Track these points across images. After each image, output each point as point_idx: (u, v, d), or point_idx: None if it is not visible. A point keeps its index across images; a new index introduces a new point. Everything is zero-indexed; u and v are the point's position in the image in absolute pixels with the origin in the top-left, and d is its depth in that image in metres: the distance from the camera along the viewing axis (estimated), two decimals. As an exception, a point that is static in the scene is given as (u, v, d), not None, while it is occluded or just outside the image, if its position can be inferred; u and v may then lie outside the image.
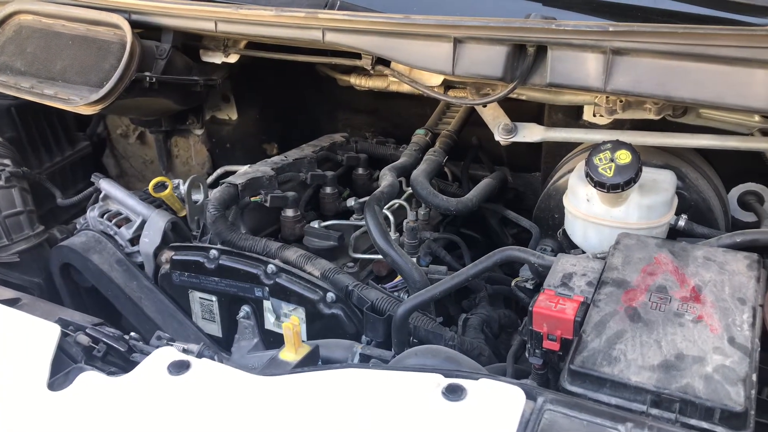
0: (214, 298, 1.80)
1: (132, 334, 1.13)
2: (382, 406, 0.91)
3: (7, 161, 2.02)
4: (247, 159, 2.15)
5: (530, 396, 0.90)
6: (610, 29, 1.24)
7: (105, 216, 1.94)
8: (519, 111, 1.74)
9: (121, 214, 1.95)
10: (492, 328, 1.63)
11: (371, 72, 1.73)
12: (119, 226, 1.92)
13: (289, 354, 1.04)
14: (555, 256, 1.38)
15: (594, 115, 1.74)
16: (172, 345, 1.10)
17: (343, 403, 0.91)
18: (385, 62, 1.62)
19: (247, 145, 2.47)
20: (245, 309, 1.76)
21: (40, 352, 1.04)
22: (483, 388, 0.91)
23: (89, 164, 2.64)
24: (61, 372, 1.05)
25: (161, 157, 2.59)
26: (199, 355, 1.04)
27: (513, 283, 1.65)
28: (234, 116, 2.40)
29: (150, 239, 1.87)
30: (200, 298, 1.82)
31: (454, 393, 0.90)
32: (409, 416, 0.89)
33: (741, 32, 1.19)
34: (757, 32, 1.18)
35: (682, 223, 1.49)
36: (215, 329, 1.84)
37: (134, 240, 1.91)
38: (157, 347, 1.08)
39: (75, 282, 1.96)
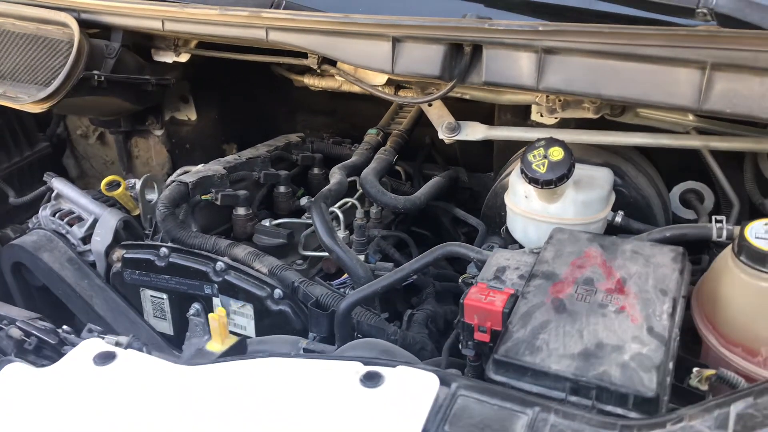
0: (165, 296, 1.80)
1: (65, 327, 1.14)
2: (301, 393, 0.92)
3: (-43, 161, 2.01)
4: (207, 159, 2.14)
5: (444, 382, 0.93)
6: (540, 29, 1.27)
7: (57, 215, 1.94)
8: (472, 111, 1.77)
9: (73, 212, 1.95)
10: (437, 324, 1.65)
11: (317, 71, 1.75)
12: (71, 225, 1.92)
13: (216, 344, 1.05)
14: (499, 252, 1.41)
15: (541, 116, 1.77)
16: (103, 337, 1.11)
17: (262, 391, 0.93)
18: (332, 62, 1.65)
19: (207, 146, 2.48)
20: (195, 306, 1.76)
21: (-32, 346, 1.05)
22: (399, 374, 0.94)
23: (49, 165, 2.62)
24: (-10, 365, 1.05)
25: (121, 158, 2.59)
26: (128, 347, 1.05)
27: (460, 280, 1.69)
28: (193, 117, 2.41)
29: (102, 238, 1.87)
30: (151, 296, 1.82)
31: (371, 380, 0.93)
32: (327, 403, 0.91)
33: (664, 32, 1.23)
34: (678, 32, 1.22)
35: (619, 219, 1.53)
36: (167, 327, 1.84)
37: (86, 239, 1.91)
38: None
39: (26, 281, 1.95)
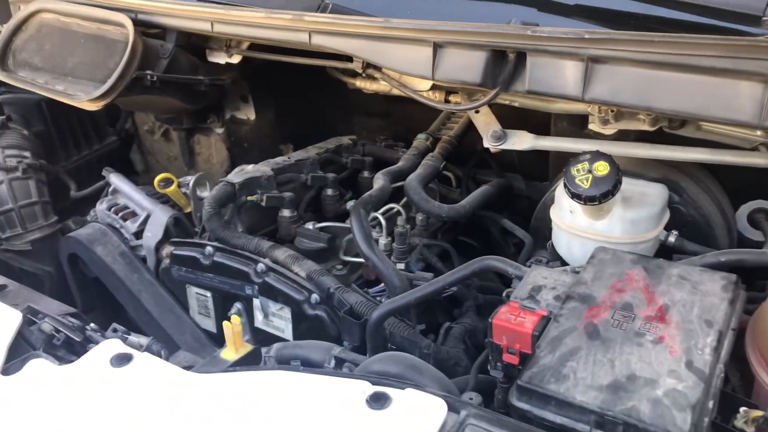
0: (209, 294, 1.83)
1: (92, 325, 1.16)
2: (304, 410, 0.90)
3: (26, 153, 2.11)
4: (264, 159, 2.16)
5: (453, 409, 0.88)
6: (586, 36, 1.20)
7: (112, 209, 2.00)
8: (526, 119, 1.70)
9: (128, 207, 2.01)
10: (476, 338, 1.60)
11: (363, 75, 1.73)
12: (125, 220, 1.98)
13: (230, 353, 1.05)
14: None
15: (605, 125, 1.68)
16: (127, 337, 1.13)
17: (267, 406, 0.91)
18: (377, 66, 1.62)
19: (264, 146, 2.50)
20: (237, 306, 1.78)
21: (-1, 338, 1.09)
22: (407, 397, 0.90)
23: (116, 159, 2.72)
24: (18, 358, 1.08)
25: (184, 154, 2.64)
26: (147, 350, 1.06)
27: (504, 294, 1.63)
28: (252, 116, 2.43)
29: (152, 233, 1.92)
30: (197, 293, 1.85)
31: (377, 401, 0.89)
32: (329, 422, 0.88)
33: (722, 42, 1.13)
34: (738, 42, 1.12)
35: (672, 239, 1.44)
36: (210, 324, 1.86)
37: (139, 234, 1.96)
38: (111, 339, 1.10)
39: (82, 272, 2.02)
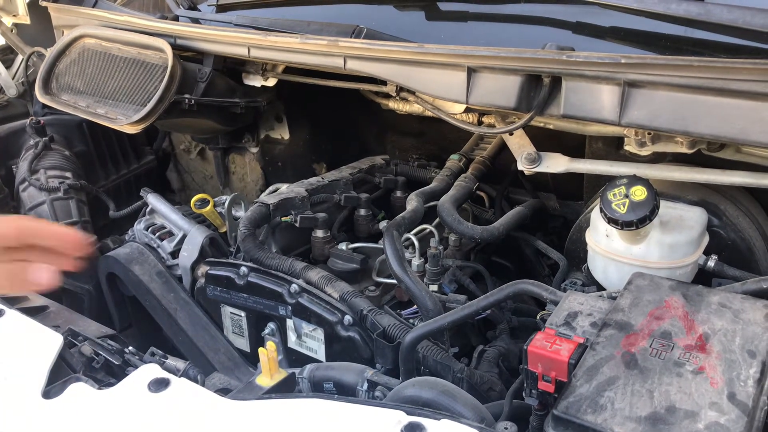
0: (243, 314, 1.84)
1: (130, 348, 1.18)
2: (340, 439, 0.90)
3: (68, 174, 2.16)
4: (297, 178, 2.18)
5: (488, 441, 0.88)
6: (622, 61, 1.19)
7: (150, 229, 2.03)
8: (560, 139, 1.69)
9: (165, 227, 2.04)
10: (510, 362, 1.58)
11: (396, 97, 1.74)
12: (162, 239, 2.01)
13: (265, 379, 1.06)
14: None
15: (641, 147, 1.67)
16: (164, 361, 1.14)
17: (301, 434, 0.92)
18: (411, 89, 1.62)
19: (298, 165, 2.52)
20: (270, 326, 1.79)
21: (41, 361, 1.11)
22: (442, 428, 0.90)
23: (154, 177, 2.78)
24: (59, 381, 1.10)
25: (219, 173, 2.69)
26: (184, 374, 1.07)
27: (538, 316, 1.61)
28: (286, 136, 2.47)
29: (189, 253, 1.94)
30: (231, 312, 1.87)
31: (412, 432, 0.89)
32: (364, 452, 0.88)
33: (763, 66, 1.11)
34: (780, 66, 1.10)
35: (711, 263, 1.41)
36: (244, 344, 1.88)
37: (175, 253, 1.99)
38: (150, 363, 1.12)
39: (120, 291, 2.06)
